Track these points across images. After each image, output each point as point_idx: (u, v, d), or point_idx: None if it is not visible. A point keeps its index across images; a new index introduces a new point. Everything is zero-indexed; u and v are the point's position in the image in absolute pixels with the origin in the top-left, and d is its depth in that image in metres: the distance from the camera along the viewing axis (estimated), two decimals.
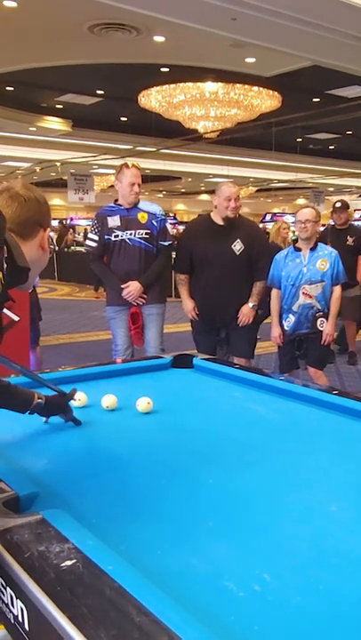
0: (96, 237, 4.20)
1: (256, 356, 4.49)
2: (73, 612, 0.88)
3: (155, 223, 4.18)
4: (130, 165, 4.15)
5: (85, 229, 20.84)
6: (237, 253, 4.09)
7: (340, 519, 1.29)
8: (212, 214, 4.21)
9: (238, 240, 4.09)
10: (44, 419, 1.81)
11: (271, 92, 10.99)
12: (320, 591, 1.02)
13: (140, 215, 4.15)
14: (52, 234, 1.68)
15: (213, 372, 2.51)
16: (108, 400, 1.98)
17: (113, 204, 4.24)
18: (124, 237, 4.12)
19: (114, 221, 4.15)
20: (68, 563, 1.00)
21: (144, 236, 4.13)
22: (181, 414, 2.05)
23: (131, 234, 4.12)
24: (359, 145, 14.47)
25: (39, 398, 1.73)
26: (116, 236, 4.12)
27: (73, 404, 1.89)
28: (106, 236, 4.15)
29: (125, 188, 4.10)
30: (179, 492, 1.41)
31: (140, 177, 4.16)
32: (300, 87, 10.58)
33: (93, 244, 4.22)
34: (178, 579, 1.03)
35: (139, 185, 4.13)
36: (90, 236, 4.27)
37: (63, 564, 1.00)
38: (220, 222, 4.13)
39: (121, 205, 4.17)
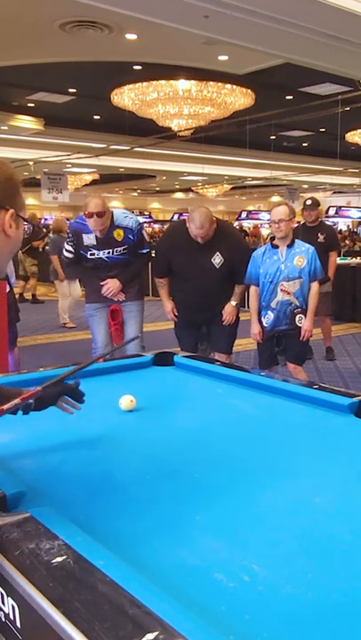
0: (72, 249, 4.17)
1: (235, 352, 4.52)
2: (66, 606, 0.89)
3: (131, 237, 4.11)
4: (90, 214, 3.95)
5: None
6: (217, 267, 4.06)
7: (324, 510, 1.31)
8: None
9: (218, 253, 4.04)
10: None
11: (244, 89, 11.03)
12: (308, 580, 1.04)
13: (115, 233, 4.07)
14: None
15: (195, 369, 2.53)
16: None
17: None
18: (101, 256, 4.08)
19: (89, 239, 4.06)
20: (59, 559, 1.01)
21: (122, 252, 4.10)
22: (165, 411, 2.06)
23: (108, 252, 4.07)
24: (332, 142, 14.58)
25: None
26: (92, 254, 4.08)
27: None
28: (81, 252, 4.10)
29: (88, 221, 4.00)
30: (165, 487, 1.42)
31: (102, 207, 3.96)
32: (273, 85, 10.64)
33: (70, 256, 4.21)
34: (168, 572, 1.04)
35: (99, 215, 3.94)
36: (66, 247, 4.23)
37: (54, 561, 1.00)
38: None
39: None
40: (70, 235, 4.19)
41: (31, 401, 1.66)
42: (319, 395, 2.07)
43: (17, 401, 1.46)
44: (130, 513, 1.29)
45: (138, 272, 4.28)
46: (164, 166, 19.17)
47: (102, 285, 4.12)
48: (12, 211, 1.33)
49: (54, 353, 7.13)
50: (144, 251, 4.23)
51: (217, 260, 4.03)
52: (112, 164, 17.46)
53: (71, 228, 4.23)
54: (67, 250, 4.20)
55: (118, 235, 4.07)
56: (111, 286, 4.10)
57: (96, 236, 4.04)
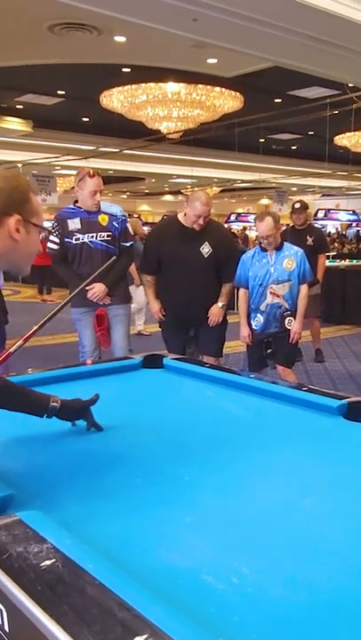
0: (57, 240, 4.17)
1: (225, 355, 4.52)
2: (55, 610, 0.88)
3: (116, 225, 4.16)
4: (92, 174, 4.10)
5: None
6: (205, 256, 4.08)
7: (314, 512, 1.31)
8: (179, 216, 4.17)
9: (206, 243, 4.08)
10: (69, 423, 1.79)
11: (233, 92, 11.07)
12: (297, 581, 1.04)
13: (100, 217, 4.12)
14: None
15: (184, 371, 2.52)
16: None
17: (73, 206, 4.19)
18: (85, 240, 4.09)
19: (74, 224, 4.11)
20: (48, 562, 1.00)
21: (105, 238, 4.11)
22: (154, 414, 2.05)
23: (92, 237, 4.09)
24: (321, 145, 14.66)
25: (54, 402, 1.69)
26: (76, 239, 4.09)
27: None
28: (66, 239, 4.11)
29: (86, 195, 4.07)
30: (155, 489, 1.41)
31: (102, 184, 4.15)
32: (261, 88, 10.68)
33: (55, 247, 4.20)
34: (158, 574, 1.04)
35: (100, 192, 4.12)
36: (51, 238, 4.24)
37: (43, 564, 0.99)
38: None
39: (81, 208, 4.14)
40: (56, 224, 4.20)
41: (57, 405, 1.69)
42: (308, 397, 2.08)
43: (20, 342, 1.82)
44: (119, 516, 1.28)
45: (123, 273, 4.29)
46: (153, 169, 19.21)
47: (88, 290, 4.11)
48: (17, 216, 1.37)
49: (43, 355, 7.10)
50: (128, 243, 4.24)
51: (205, 249, 4.07)
52: (101, 166, 17.42)
53: (57, 217, 4.25)
54: (51, 241, 4.21)
55: (103, 219, 4.12)
56: (97, 291, 4.08)
57: (81, 219, 4.08)
